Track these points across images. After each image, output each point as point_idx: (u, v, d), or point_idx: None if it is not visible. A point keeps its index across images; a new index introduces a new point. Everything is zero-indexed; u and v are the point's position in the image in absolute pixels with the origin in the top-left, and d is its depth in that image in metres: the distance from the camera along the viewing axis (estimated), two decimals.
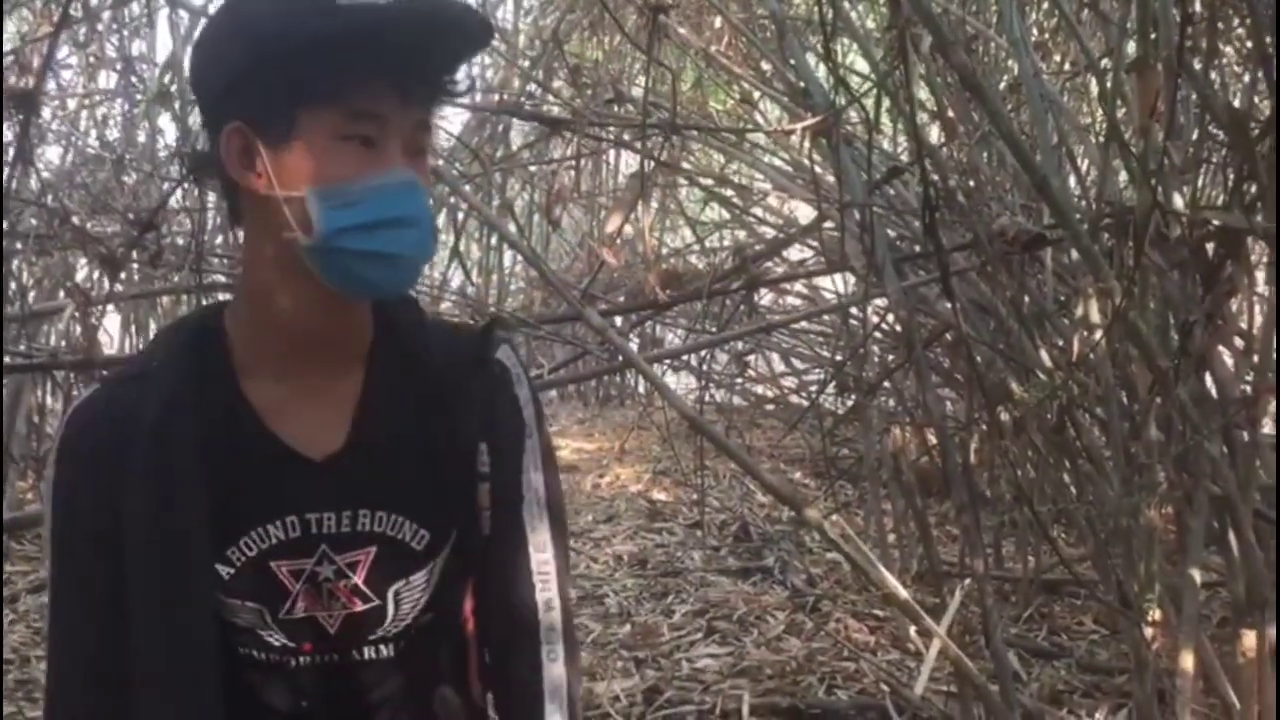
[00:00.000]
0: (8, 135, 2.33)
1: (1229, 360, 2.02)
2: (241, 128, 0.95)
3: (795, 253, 4.35)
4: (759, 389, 5.81)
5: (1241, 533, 1.89)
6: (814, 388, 5.30)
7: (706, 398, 4.88)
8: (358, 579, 1.03)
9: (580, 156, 2.69)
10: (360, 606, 1.04)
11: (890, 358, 3.91)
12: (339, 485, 1.02)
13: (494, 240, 5.59)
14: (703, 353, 4.86)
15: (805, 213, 4.23)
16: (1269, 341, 1.91)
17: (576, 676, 1.07)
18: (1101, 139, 2.25)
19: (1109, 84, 2.09)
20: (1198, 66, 1.86)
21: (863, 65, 3.33)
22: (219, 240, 3.36)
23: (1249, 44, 2.19)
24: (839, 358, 4.18)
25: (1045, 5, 2.94)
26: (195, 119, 2.92)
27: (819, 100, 2.23)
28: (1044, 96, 2.26)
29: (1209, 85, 1.91)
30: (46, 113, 3.68)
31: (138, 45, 4.23)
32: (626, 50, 4.37)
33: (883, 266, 2.05)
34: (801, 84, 2.48)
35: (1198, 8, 1.87)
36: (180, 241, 2.80)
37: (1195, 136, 2.08)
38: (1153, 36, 1.71)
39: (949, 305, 2.01)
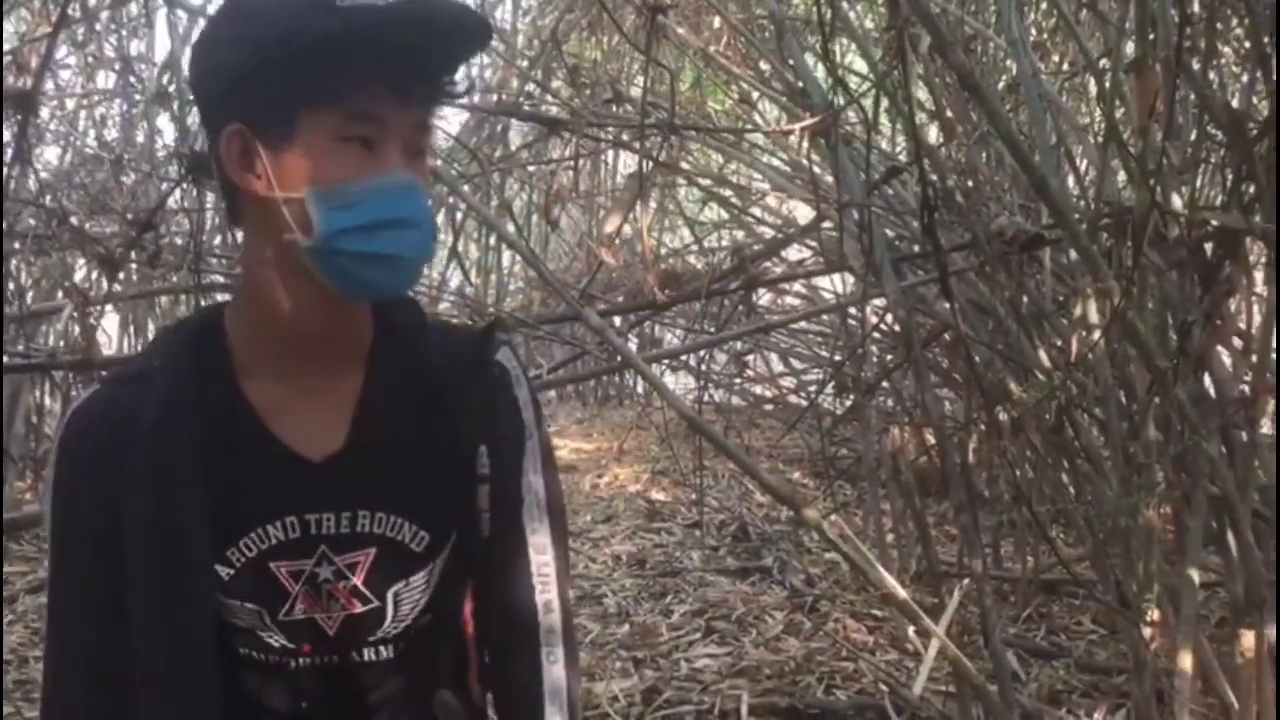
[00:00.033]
0: (6, 135, 2.33)
1: (1227, 360, 2.02)
2: (241, 129, 0.95)
3: (794, 253, 4.35)
4: (757, 389, 5.81)
5: (1240, 533, 1.89)
6: (812, 388, 5.30)
7: (705, 398, 4.88)
8: (357, 580, 1.03)
9: (579, 156, 2.69)
10: (359, 608, 1.04)
11: (889, 358, 3.91)
12: (339, 486, 1.02)
13: (492, 240, 5.59)
14: (701, 353, 4.86)
15: (804, 213, 4.24)
16: (1267, 342, 1.91)
17: (576, 678, 1.07)
18: (1100, 139, 2.25)
19: (1107, 84, 2.09)
20: (1196, 67, 1.86)
21: (861, 65, 3.34)
22: (217, 240, 3.36)
23: (1247, 44, 2.19)
24: (838, 358, 4.18)
25: (1044, 5, 2.94)
26: (194, 119, 2.93)
27: (817, 100, 2.23)
28: (1042, 96, 2.26)
29: (1207, 85, 1.92)
30: (45, 113, 3.69)
31: (136, 45, 4.25)
32: (625, 50, 4.37)
33: (881, 266, 2.05)
34: (800, 84, 2.48)
35: (1196, 8, 1.87)
36: (179, 242, 2.80)
37: (1194, 137, 2.08)
38: (1151, 37, 1.71)
39: (947, 305, 2.01)
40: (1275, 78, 1.72)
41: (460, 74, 1.02)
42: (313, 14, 0.91)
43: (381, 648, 1.06)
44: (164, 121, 3.78)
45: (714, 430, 2.39)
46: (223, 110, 0.96)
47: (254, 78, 0.93)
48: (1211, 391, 1.96)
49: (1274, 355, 1.91)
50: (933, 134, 3.09)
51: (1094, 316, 1.80)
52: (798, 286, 5.08)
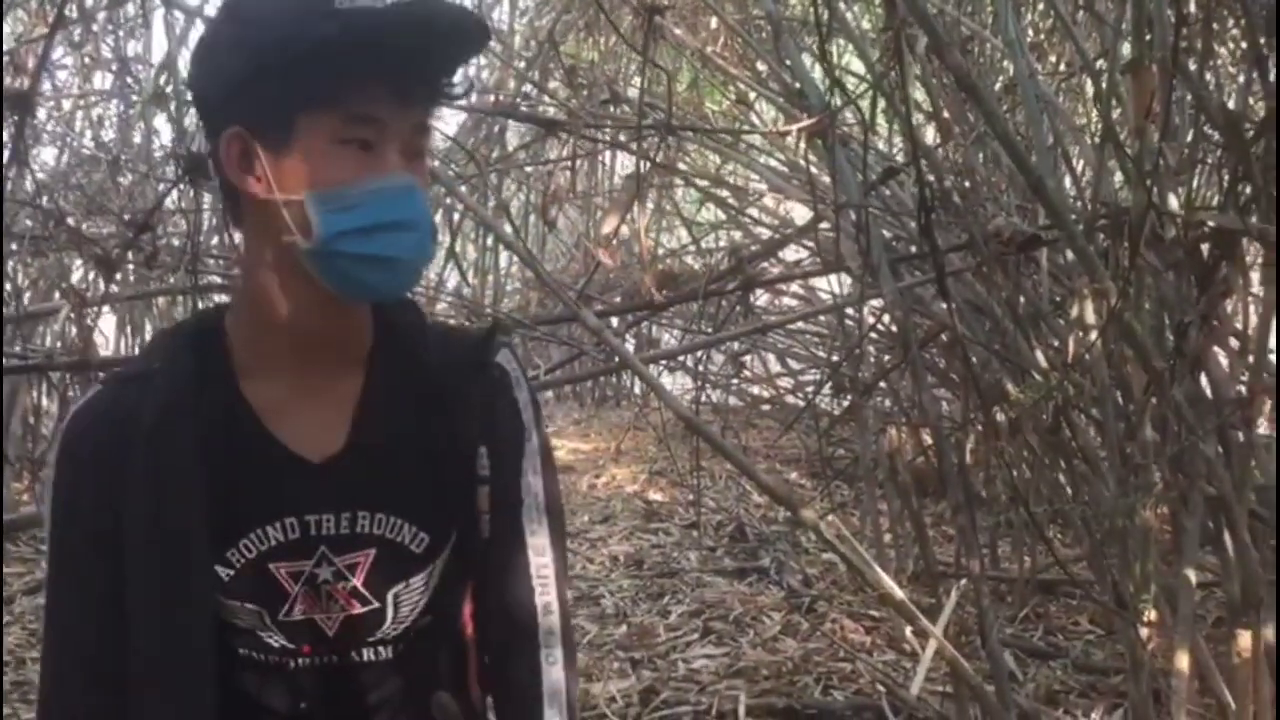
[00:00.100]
0: (4, 136, 2.32)
1: (1224, 361, 2.02)
2: (241, 132, 0.95)
3: (791, 253, 4.34)
4: (755, 389, 5.81)
5: (1237, 533, 1.90)
6: (810, 388, 5.30)
7: (702, 398, 4.87)
8: (356, 581, 1.03)
9: (576, 157, 2.70)
10: (359, 609, 1.04)
11: (886, 358, 3.91)
12: (338, 487, 1.02)
13: (490, 241, 5.59)
14: (699, 353, 4.85)
15: (801, 213, 4.24)
16: (1264, 342, 1.91)
17: (574, 679, 1.07)
18: (1097, 140, 2.26)
19: (1104, 85, 2.08)
20: (1193, 67, 1.87)
21: (858, 66, 3.33)
22: (214, 241, 3.35)
23: (1244, 45, 2.20)
24: (835, 358, 4.18)
25: (1040, 6, 2.95)
26: (191, 120, 2.92)
27: (815, 101, 2.23)
28: (1039, 97, 2.26)
29: (1204, 86, 1.92)
30: (42, 113, 3.69)
31: (133, 46, 4.24)
32: (622, 51, 4.38)
33: (878, 267, 2.05)
34: (797, 85, 2.48)
35: (1192, 9, 1.87)
36: (176, 242, 2.80)
37: (1190, 137, 2.08)
38: (1148, 37, 1.71)
39: (945, 306, 2.01)
40: (1271, 78, 1.73)
41: (458, 75, 1.02)
42: (310, 18, 0.91)
43: (381, 648, 1.06)
44: (161, 122, 3.79)
45: (711, 431, 2.40)
46: (222, 114, 0.96)
47: (252, 82, 0.93)
48: (1208, 392, 1.96)
49: (1271, 356, 1.92)
50: (930, 135, 3.10)
51: (1091, 317, 1.80)
52: (795, 287, 5.07)
